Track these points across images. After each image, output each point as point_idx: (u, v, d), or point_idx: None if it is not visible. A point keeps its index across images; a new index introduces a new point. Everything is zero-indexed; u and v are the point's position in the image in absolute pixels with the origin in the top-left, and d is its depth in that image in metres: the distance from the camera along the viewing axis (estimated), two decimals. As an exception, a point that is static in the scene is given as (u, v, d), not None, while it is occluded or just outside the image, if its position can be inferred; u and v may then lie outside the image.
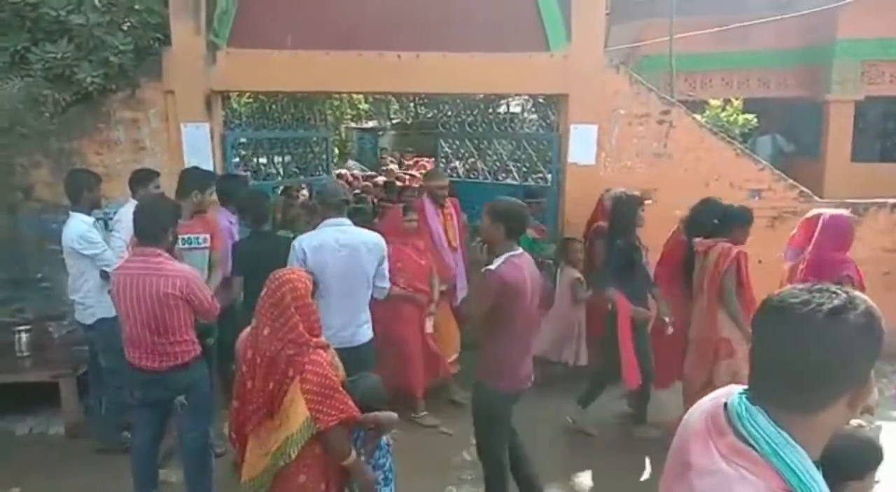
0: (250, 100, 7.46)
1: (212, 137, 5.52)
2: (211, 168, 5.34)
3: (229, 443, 3.24)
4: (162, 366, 3.45)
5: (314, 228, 4.10)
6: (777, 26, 10.10)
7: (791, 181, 6.13)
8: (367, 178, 11.25)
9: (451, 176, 7.11)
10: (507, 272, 3.29)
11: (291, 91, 6.57)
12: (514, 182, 6.79)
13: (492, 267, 3.33)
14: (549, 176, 6.31)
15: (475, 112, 7.39)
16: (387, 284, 4.08)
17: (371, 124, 18.06)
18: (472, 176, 7.37)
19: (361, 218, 6.01)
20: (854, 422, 2.65)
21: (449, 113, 7.67)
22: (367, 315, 4.00)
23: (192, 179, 4.57)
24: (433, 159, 9.35)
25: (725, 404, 1.29)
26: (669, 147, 5.91)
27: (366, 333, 3.96)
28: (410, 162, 13.82)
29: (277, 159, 7.35)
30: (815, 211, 4.29)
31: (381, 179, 9.86)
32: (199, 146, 5.45)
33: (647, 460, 4.55)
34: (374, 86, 6.12)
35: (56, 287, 5.36)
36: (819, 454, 1.24)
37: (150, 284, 3.33)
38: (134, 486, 3.72)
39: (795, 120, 11.83)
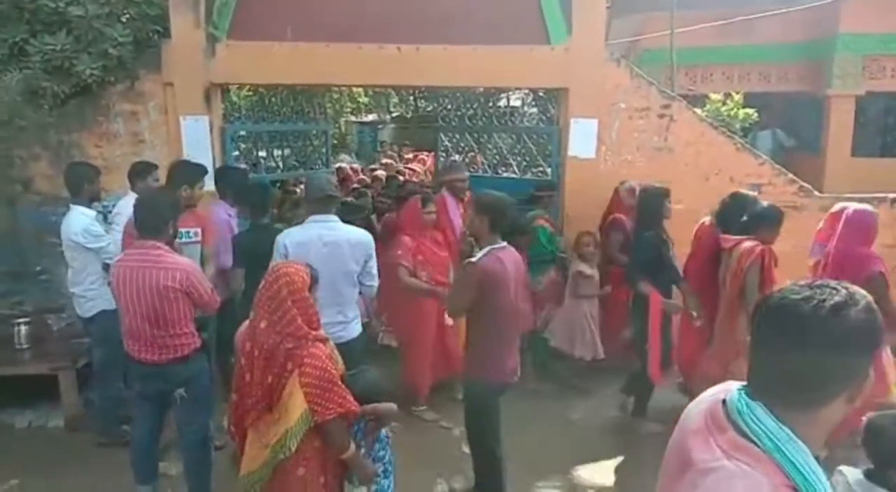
0: (250, 93, 7.45)
1: (211, 130, 5.51)
2: (210, 161, 5.33)
3: (228, 436, 3.24)
4: (161, 359, 3.45)
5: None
6: (778, 20, 10.08)
7: (791, 176, 6.13)
8: (370, 171, 11.03)
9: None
10: (488, 264, 3.34)
11: (291, 84, 6.55)
12: (515, 176, 6.78)
13: (473, 259, 3.38)
14: (549, 170, 6.30)
15: (475, 105, 7.37)
16: (374, 283, 3.96)
17: (371, 118, 18.01)
18: (471, 170, 7.34)
19: (358, 214, 6.01)
20: None
21: (449, 106, 7.65)
22: (355, 312, 3.92)
23: (181, 173, 4.49)
24: (433, 153, 9.31)
25: (724, 401, 1.29)
26: (670, 141, 5.90)
27: (355, 330, 3.89)
28: (410, 156, 13.76)
29: (277, 152, 7.34)
30: (839, 205, 4.30)
31: (381, 173, 9.73)
32: (198, 139, 5.44)
33: (646, 455, 4.55)
34: (374, 79, 6.09)
35: (55, 280, 5.36)
36: (820, 449, 1.24)
37: (149, 277, 3.33)
38: (134, 479, 3.72)
39: (796, 114, 11.82)
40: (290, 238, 3.73)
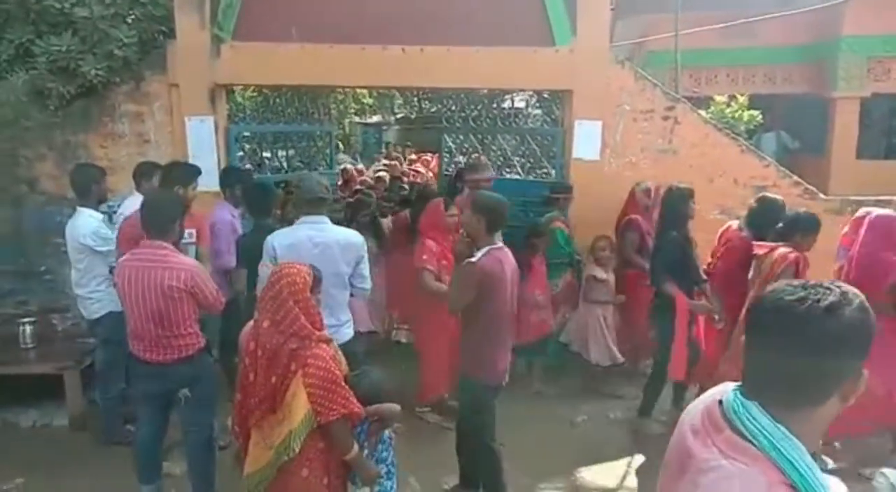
0: (254, 93, 7.46)
1: (216, 131, 5.52)
2: (215, 161, 5.34)
3: (232, 436, 3.25)
4: (166, 359, 3.45)
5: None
6: (782, 22, 10.06)
7: (796, 178, 6.12)
8: (372, 172, 10.83)
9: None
10: (487, 264, 3.37)
11: (295, 85, 6.56)
12: (518, 177, 6.78)
13: (472, 259, 3.40)
14: (553, 171, 6.30)
15: (479, 107, 7.38)
16: (367, 286, 3.90)
17: (375, 119, 18.02)
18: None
19: (365, 210, 5.97)
20: None
21: (453, 108, 7.66)
22: (347, 315, 3.88)
23: (175, 175, 4.45)
24: (437, 154, 9.29)
25: (720, 401, 1.30)
26: (674, 143, 5.90)
27: (346, 333, 3.83)
28: (414, 156, 13.73)
29: (281, 153, 7.34)
30: (863, 209, 4.29)
31: (383, 175, 9.42)
32: (203, 139, 5.46)
33: (649, 456, 4.55)
34: (378, 80, 6.10)
35: (60, 280, 5.39)
36: (816, 447, 1.24)
37: (154, 277, 3.33)
38: (138, 478, 3.73)
39: (801, 116, 11.79)
40: (279, 240, 3.69)
